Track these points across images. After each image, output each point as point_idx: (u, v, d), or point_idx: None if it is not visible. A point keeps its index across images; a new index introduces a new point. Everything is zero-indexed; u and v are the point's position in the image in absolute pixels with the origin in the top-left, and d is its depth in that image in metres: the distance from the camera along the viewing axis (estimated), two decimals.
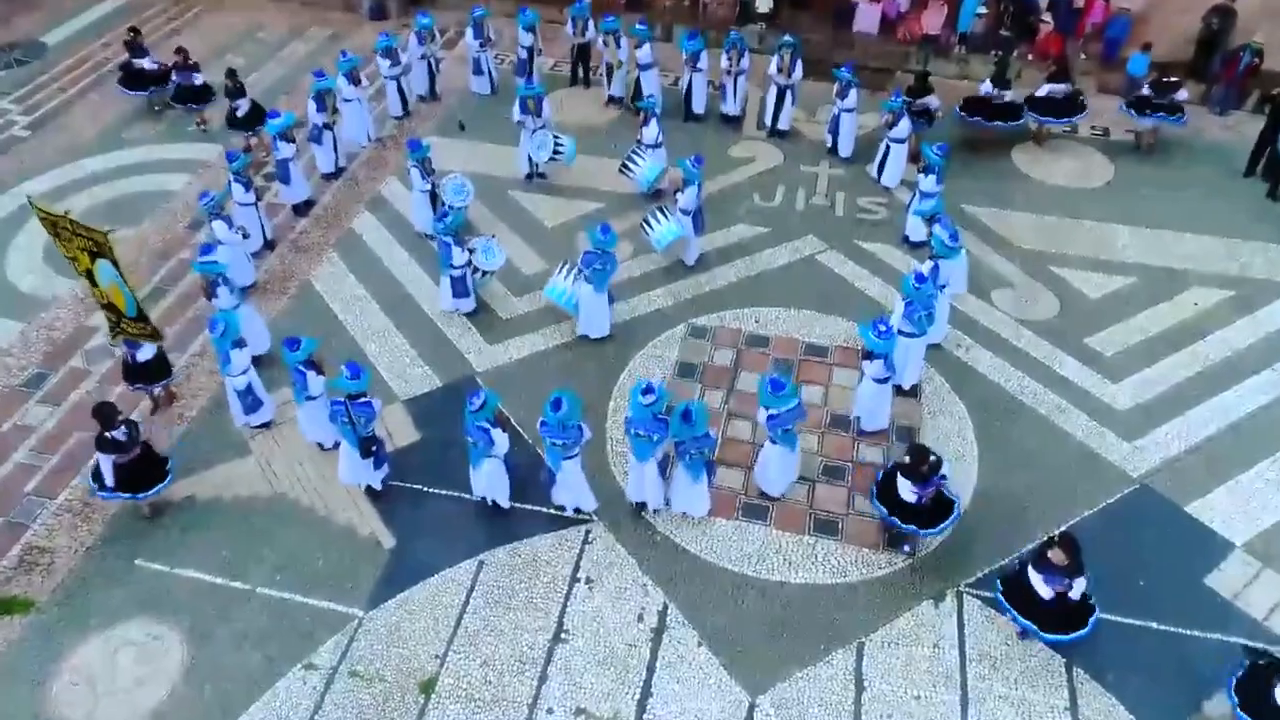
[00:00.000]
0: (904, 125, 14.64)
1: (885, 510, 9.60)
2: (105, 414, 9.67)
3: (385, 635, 9.25)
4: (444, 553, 9.93)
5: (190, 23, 20.14)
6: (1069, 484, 10.67)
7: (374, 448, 10.11)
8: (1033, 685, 8.90)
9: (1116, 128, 16.70)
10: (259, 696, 8.80)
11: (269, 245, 13.82)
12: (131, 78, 16.50)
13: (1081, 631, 8.76)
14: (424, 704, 8.75)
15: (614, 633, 9.29)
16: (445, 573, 9.76)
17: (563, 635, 9.27)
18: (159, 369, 11.02)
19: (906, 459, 9.45)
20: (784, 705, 8.77)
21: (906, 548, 9.96)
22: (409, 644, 9.18)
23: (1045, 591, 8.63)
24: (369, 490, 10.44)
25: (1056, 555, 8.59)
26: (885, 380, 10.74)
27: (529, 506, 10.33)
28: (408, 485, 10.58)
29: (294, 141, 14.09)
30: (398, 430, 11.17)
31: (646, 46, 16.27)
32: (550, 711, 8.72)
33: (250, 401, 10.73)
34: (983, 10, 18.23)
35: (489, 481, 10.01)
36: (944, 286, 11.72)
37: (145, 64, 16.49)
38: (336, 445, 10.33)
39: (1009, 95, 15.75)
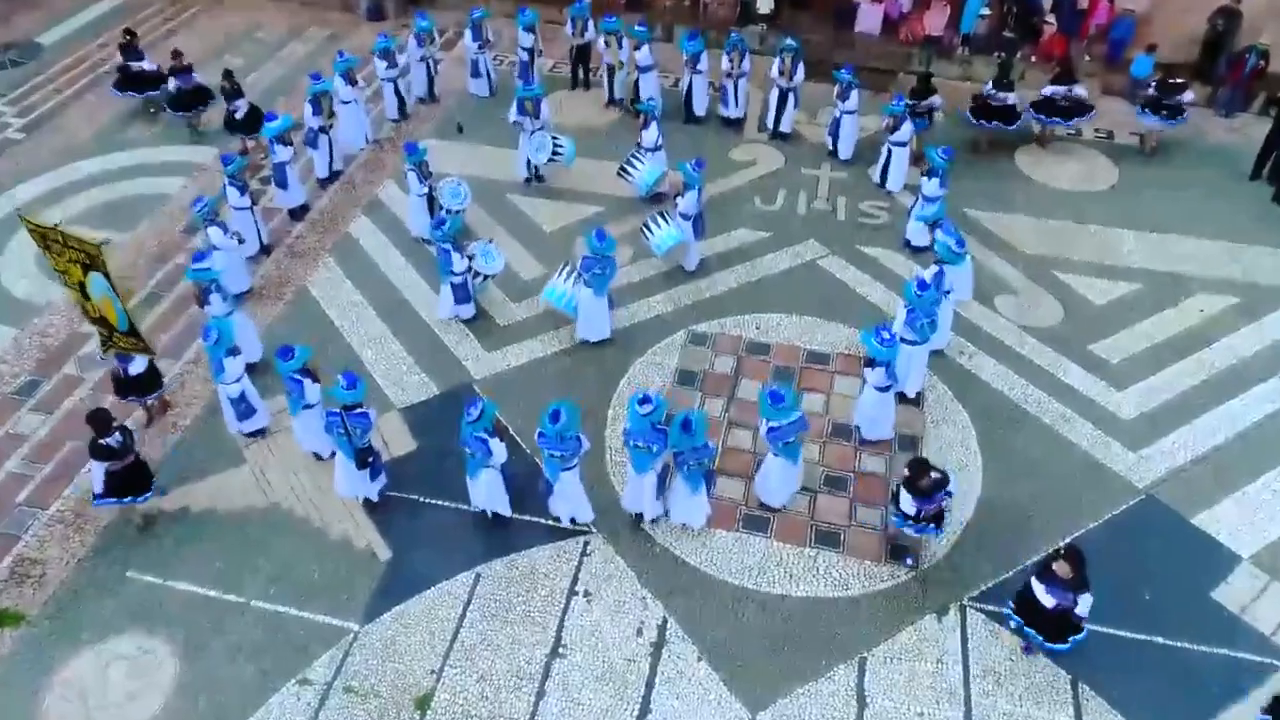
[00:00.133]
0: (906, 129, 14.50)
1: (900, 519, 9.51)
2: (100, 420, 9.55)
3: (380, 649, 9.12)
4: (441, 565, 9.80)
5: (187, 23, 20.00)
6: (1073, 494, 10.53)
7: (370, 458, 9.98)
8: (1037, 702, 8.77)
9: (1121, 130, 16.56)
10: (253, 712, 8.68)
11: (265, 250, 13.68)
12: (127, 80, 16.33)
13: (1061, 646, 8.69)
14: None
15: (613, 647, 9.16)
16: (442, 585, 9.64)
17: (561, 650, 9.14)
18: (150, 381, 10.88)
19: (907, 471, 9.35)
20: None
21: (909, 560, 9.83)
22: (404, 659, 9.05)
23: (1048, 601, 8.52)
24: (366, 501, 10.31)
25: (1061, 568, 8.47)
26: (887, 389, 10.60)
27: (526, 517, 10.20)
28: (404, 496, 10.44)
29: (291, 144, 13.95)
30: (394, 439, 11.04)
31: (646, 48, 16.09)
32: None
33: (243, 409, 10.60)
34: (986, 11, 18.04)
35: (487, 492, 9.88)
36: (948, 292, 11.58)
37: (144, 66, 16.30)
38: (334, 454, 10.18)
39: (1012, 98, 15.60)
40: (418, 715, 8.65)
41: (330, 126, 14.90)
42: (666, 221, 12.98)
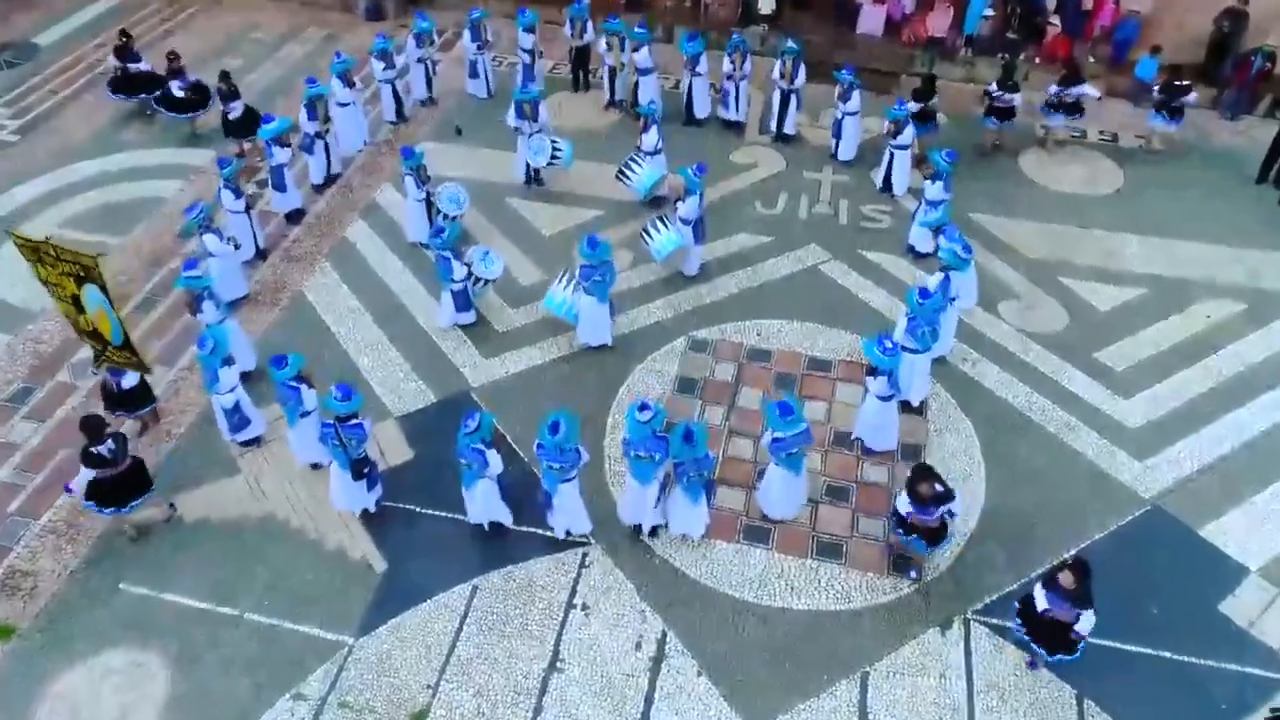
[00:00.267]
0: (908, 132, 14.35)
1: (902, 532, 9.39)
2: (93, 427, 9.43)
3: (376, 664, 8.99)
4: (437, 577, 9.67)
5: (185, 23, 19.84)
6: (1078, 504, 10.40)
7: (366, 469, 9.85)
8: (1042, 718, 8.64)
9: (1125, 133, 16.41)
10: None
11: (261, 255, 13.54)
12: (123, 83, 16.17)
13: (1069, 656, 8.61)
14: None
15: (611, 661, 9.03)
16: (438, 598, 9.50)
17: (558, 664, 9.01)
18: (142, 396, 10.72)
19: (910, 474, 9.25)
20: None
21: (913, 573, 9.70)
22: (400, 673, 8.92)
23: (1041, 603, 8.43)
24: (362, 511, 10.18)
25: (1066, 578, 8.36)
26: (889, 398, 10.47)
27: (524, 529, 10.07)
28: (401, 506, 10.30)
29: (289, 146, 13.81)
30: (390, 448, 10.90)
31: (645, 50, 15.93)
32: None
33: (237, 420, 10.47)
34: (989, 12, 17.87)
35: (484, 504, 9.75)
36: (954, 299, 11.43)
37: (141, 67, 16.13)
38: (332, 464, 10.05)
39: (1017, 100, 15.45)
40: None
41: (326, 131, 14.72)
42: (667, 226, 12.83)
